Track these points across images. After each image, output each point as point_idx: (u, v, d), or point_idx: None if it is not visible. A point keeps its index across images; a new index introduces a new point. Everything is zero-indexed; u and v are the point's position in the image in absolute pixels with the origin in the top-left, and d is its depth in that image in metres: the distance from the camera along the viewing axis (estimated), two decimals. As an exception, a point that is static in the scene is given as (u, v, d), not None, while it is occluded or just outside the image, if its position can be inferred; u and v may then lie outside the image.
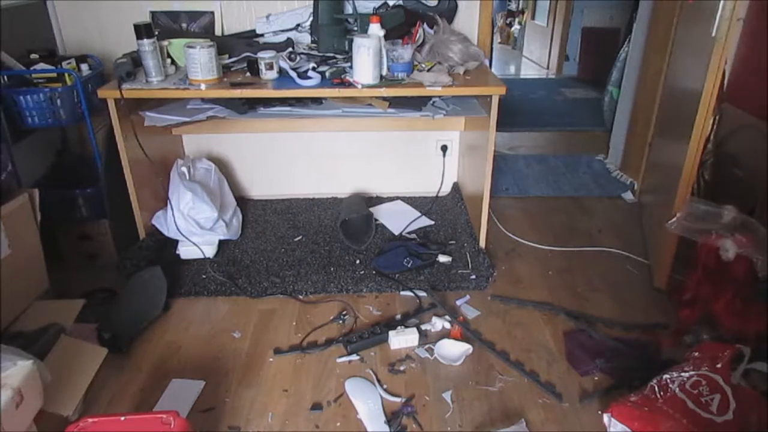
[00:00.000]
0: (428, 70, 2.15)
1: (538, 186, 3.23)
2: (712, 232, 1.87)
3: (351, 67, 2.08)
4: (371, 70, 2.02)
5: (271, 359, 1.87)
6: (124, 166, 2.18)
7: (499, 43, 7.89)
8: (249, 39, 2.42)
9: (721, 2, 1.79)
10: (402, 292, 2.20)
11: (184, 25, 2.49)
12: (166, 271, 2.11)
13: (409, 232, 2.58)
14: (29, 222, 1.92)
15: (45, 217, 1.99)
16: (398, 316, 2.05)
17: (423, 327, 1.99)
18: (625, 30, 4.44)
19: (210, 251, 2.35)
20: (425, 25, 2.33)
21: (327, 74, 2.13)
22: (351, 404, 1.68)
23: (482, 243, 2.37)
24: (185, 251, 2.34)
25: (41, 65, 2.13)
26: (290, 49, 2.26)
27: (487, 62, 2.43)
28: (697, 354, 1.71)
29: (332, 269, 2.29)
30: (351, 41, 2.06)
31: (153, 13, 2.47)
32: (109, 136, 2.17)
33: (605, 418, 1.55)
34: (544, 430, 1.61)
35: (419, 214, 2.74)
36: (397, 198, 2.91)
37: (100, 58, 2.38)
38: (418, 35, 2.27)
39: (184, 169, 2.35)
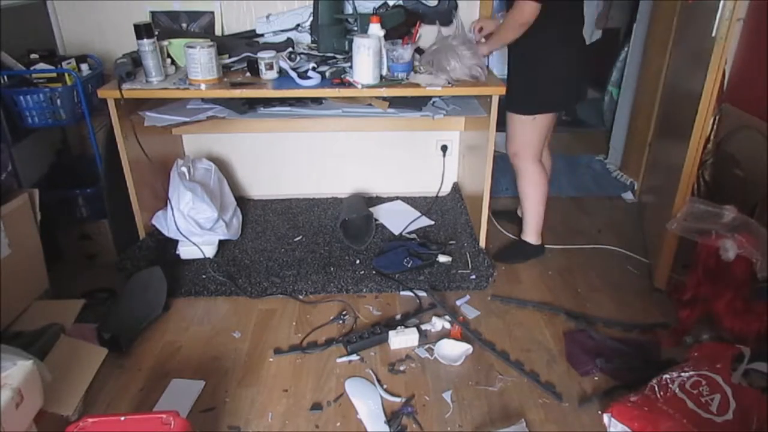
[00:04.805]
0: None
1: (538, 186, 3.22)
2: (712, 232, 1.87)
3: (351, 67, 2.08)
4: (371, 70, 2.02)
5: (271, 359, 1.87)
6: (124, 166, 2.18)
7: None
8: (249, 39, 2.42)
9: (721, 2, 1.79)
10: (402, 292, 2.20)
11: (184, 25, 2.49)
12: (166, 271, 2.12)
13: (409, 232, 2.58)
14: (29, 222, 1.92)
15: (45, 217, 1.99)
16: (398, 316, 2.05)
17: (423, 327, 1.98)
18: (625, 30, 4.43)
19: (210, 251, 2.35)
20: (438, 25, 2.32)
21: (327, 74, 2.13)
22: (351, 404, 1.68)
23: (482, 243, 2.37)
24: (185, 251, 2.33)
25: (41, 65, 2.12)
26: (290, 49, 2.25)
27: (486, 62, 2.43)
28: (697, 354, 1.71)
29: (332, 269, 2.29)
30: (351, 41, 2.06)
31: (153, 13, 2.47)
32: (109, 136, 2.17)
33: (605, 418, 1.55)
34: (544, 430, 1.61)
35: (419, 214, 2.73)
36: (397, 198, 2.91)
37: (100, 58, 2.38)
38: (418, 35, 2.27)
39: (184, 169, 2.34)
